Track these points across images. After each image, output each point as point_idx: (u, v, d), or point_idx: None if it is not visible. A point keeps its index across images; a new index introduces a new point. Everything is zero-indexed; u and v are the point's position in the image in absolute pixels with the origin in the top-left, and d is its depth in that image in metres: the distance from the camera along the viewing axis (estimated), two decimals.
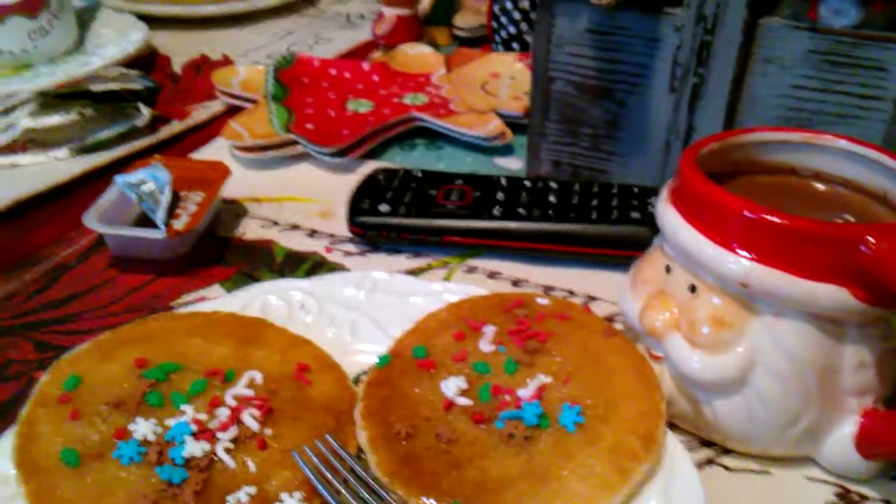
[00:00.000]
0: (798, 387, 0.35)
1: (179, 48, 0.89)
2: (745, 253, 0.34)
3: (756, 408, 0.35)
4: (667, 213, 0.38)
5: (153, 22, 0.88)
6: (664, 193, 0.40)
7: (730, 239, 0.35)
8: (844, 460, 0.36)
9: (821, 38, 0.49)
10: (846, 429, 0.36)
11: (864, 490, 0.37)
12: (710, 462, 0.38)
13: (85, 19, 0.86)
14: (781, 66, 0.51)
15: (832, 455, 0.36)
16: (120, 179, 0.53)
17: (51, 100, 0.66)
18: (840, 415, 0.36)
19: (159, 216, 0.50)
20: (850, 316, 0.34)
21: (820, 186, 0.41)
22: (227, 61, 0.86)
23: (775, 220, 0.34)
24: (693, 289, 0.37)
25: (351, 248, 0.55)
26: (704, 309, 0.36)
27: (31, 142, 0.66)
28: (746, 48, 0.51)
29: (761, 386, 0.35)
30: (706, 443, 0.39)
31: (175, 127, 0.71)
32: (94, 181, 0.63)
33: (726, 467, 0.38)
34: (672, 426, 0.38)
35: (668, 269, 0.39)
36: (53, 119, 0.65)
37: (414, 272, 0.52)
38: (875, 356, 0.35)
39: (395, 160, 0.67)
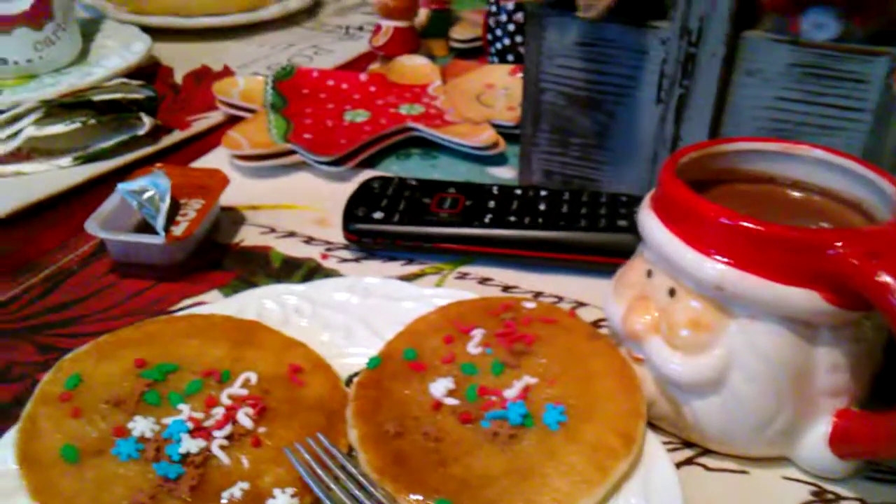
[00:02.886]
0: (773, 388, 0.36)
1: (181, 59, 0.90)
2: (721, 258, 0.36)
3: (733, 408, 0.37)
4: (648, 219, 0.40)
5: (156, 34, 0.90)
6: (646, 201, 0.41)
7: (707, 244, 0.36)
8: (819, 460, 0.37)
9: (802, 51, 0.50)
10: (820, 429, 0.37)
11: (839, 489, 0.38)
12: (689, 462, 0.40)
13: (89, 31, 0.88)
14: (764, 79, 0.52)
15: (807, 455, 0.38)
16: (121, 187, 0.54)
17: (54, 109, 0.67)
18: (814, 415, 0.37)
19: (159, 222, 0.52)
20: (822, 319, 0.35)
21: (797, 195, 0.43)
22: (227, 72, 0.88)
23: (749, 226, 0.35)
24: (672, 293, 0.38)
25: (346, 254, 0.57)
26: (683, 312, 0.37)
27: (34, 150, 0.67)
28: (730, 61, 0.52)
29: (737, 387, 0.36)
30: (688, 444, 0.41)
31: (176, 136, 0.72)
32: (96, 189, 0.65)
33: (705, 467, 0.39)
34: (654, 427, 0.40)
35: (649, 274, 0.40)
36: (57, 128, 0.66)
37: (407, 278, 0.54)
38: (847, 358, 0.36)
39: (391, 169, 0.68)
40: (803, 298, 0.34)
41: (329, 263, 0.56)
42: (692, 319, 0.37)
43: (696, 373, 0.37)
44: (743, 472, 0.39)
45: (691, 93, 0.54)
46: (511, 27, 0.82)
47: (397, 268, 0.55)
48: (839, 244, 0.33)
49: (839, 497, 0.38)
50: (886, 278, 0.32)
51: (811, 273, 0.34)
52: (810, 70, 0.51)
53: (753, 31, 0.51)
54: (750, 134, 0.53)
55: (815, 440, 0.37)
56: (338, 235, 0.58)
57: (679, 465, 0.39)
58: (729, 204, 0.36)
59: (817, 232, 0.36)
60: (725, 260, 0.36)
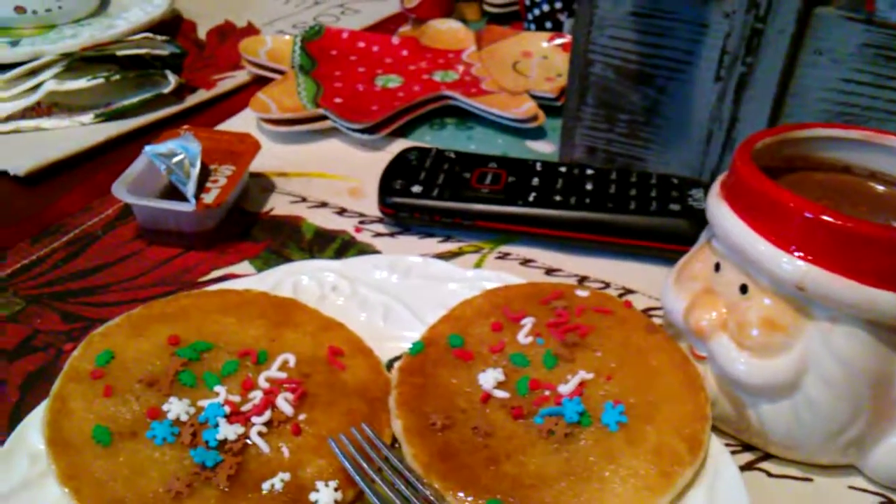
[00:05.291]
0: (850, 395, 0.34)
1: (204, 13, 0.87)
2: (802, 254, 0.33)
3: (804, 415, 0.35)
4: (719, 208, 0.37)
5: None
6: (716, 188, 0.39)
7: (786, 239, 0.34)
8: (891, 471, 0.35)
9: (876, 32, 0.47)
10: (894, 439, 0.35)
11: None
12: (750, 466, 0.38)
13: None
14: (833, 59, 0.49)
15: (878, 465, 0.36)
16: (149, 149, 0.51)
17: (76, 63, 0.65)
18: (889, 425, 0.35)
19: (189, 189, 0.49)
20: None
21: (876, 187, 0.40)
22: (252, 29, 0.84)
23: (837, 222, 0.32)
24: (744, 289, 0.36)
25: (381, 228, 0.54)
26: (756, 310, 0.35)
27: (55, 105, 0.65)
28: (798, 38, 0.49)
29: (812, 393, 0.34)
30: (747, 446, 0.39)
31: (201, 95, 0.70)
32: (119, 148, 0.62)
33: (768, 472, 0.37)
34: (713, 428, 0.38)
35: (717, 267, 0.38)
36: (79, 83, 0.63)
37: (445, 255, 0.51)
38: None
39: (425, 139, 0.65)
40: (892, 303, 0.32)
41: (363, 237, 0.53)
42: (766, 319, 0.34)
43: (767, 376, 0.35)
44: (807, 479, 0.37)
45: (754, 71, 0.51)
46: None
47: (434, 244, 0.53)
48: None
49: None
50: None
51: None
52: (883, 52, 0.48)
53: (826, 8, 0.48)
54: (814, 116, 0.51)
55: (888, 450, 0.35)
56: (371, 207, 0.55)
57: (740, 469, 0.37)
58: (803, 194, 0.34)
59: None
60: (807, 257, 0.33)
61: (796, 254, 0.33)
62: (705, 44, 0.52)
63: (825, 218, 0.33)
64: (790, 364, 0.34)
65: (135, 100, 0.65)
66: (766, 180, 0.35)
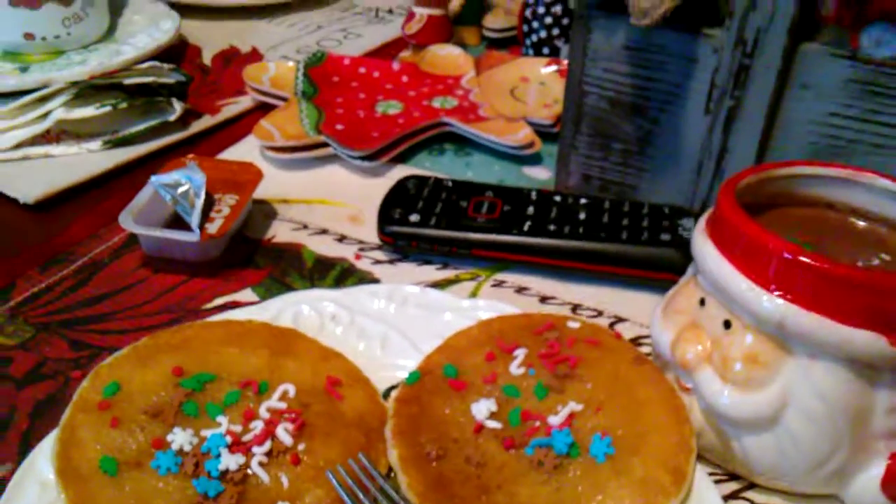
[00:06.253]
0: (830, 429, 0.35)
1: (208, 39, 0.89)
2: (781, 293, 0.35)
3: (787, 447, 0.36)
4: (704, 246, 0.38)
5: (182, 11, 0.88)
6: (701, 224, 0.40)
7: (766, 278, 0.35)
8: (870, 501, 0.36)
9: (861, 68, 0.49)
10: (873, 471, 0.36)
11: None
12: (735, 496, 0.39)
13: (117, 6, 0.86)
14: (819, 94, 0.50)
15: (858, 496, 0.37)
16: (155, 179, 0.53)
17: (84, 91, 0.66)
18: (868, 457, 0.36)
19: (194, 220, 0.51)
20: (885, 362, 0.34)
21: (858, 223, 0.41)
22: (256, 54, 0.86)
23: (815, 263, 0.34)
24: (727, 324, 0.37)
25: (380, 255, 0.56)
26: (738, 346, 0.36)
27: (64, 133, 0.66)
28: (785, 73, 0.51)
29: (793, 426, 0.35)
30: (732, 475, 0.40)
31: (206, 122, 0.71)
32: (126, 175, 0.64)
33: (752, 502, 0.39)
34: (698, 457, 0.39)
35: (702, 302, 0.39)
36: (87, 111, 0.65)
37: (442, 283, 0.53)
38: None
39: (424, 165, 0.67)
40: (868, 342, 0.33)
41: (362, 265, 0.55)
42: (748, 354, 0.36)
43: (749, 409, 0.36)
44: None
45: (742, 104, 0.52)
46: (548, 20, 0.80)
47: (432, 272, 0.54)
48: None
49: None
50: None
51: (878, 316, 0.33)
52: (868, 87, 0.49)
53: (811, 44, 0.50)
54: (801, 149, 0.52)
55: (867, 482, 0.36)
56: (371, 234, 0.57)
57: (725, 498, 0.38)
58: (786, 230, 0.35)
59: (888, 275, 0.35)
60: (786, 296, 0.34)
61: (776, 293, 0.35)
62: (695, 78, 0.53)
63: (803, 259, 0.34)
64: (772, 398, 0.35)
65: (141, 127, 0.67)
66: (747, 220, 0.36)
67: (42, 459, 0.36)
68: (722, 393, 0.37)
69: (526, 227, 0.53)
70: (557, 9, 0.80)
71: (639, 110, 0.57)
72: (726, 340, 0.37)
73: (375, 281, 0.53)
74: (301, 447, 0.37)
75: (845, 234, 0.41)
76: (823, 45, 0.50)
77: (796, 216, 0.42)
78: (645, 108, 0.56)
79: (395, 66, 0.79)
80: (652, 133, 0.57)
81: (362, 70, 0.78)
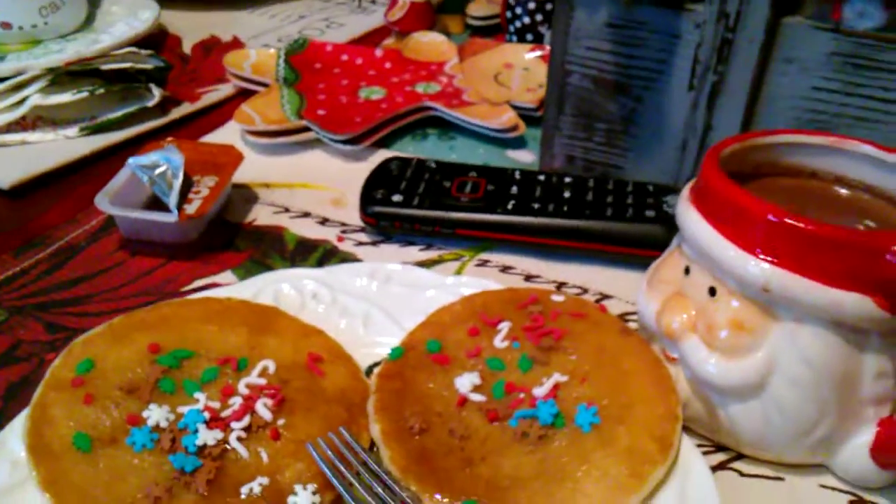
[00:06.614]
0: (816, 395, 0.34)
1: (189, 29, 0.88)
2: (766, 257, 0.34)
3: (773, 415, 0.35)
4: (688, 213, 0.38)
5: (162, 1, 0.87)
6: (685, 193, 0.40)
7: (752, 242, 0.35)
8: (859, 469, 0.36)
9: (844, 40, 0.48)
10: (862, 438, 0.36)
11: (878, 499, 0.37)
12: (722, 466, 0.38)
13: None
14: (802, 67, 0.50)
15: (847, 464, 0.36)
16: (132, 161, 0.52)
17: (61, 77, 0.65)
18: (857, 424, 0.35)
19: (172, 200, 0.50)
20: (873, 325, 0.34)
21: (841, 191, 0.41)
22: (237, 43, 0.85)
23: (800, 225, 0.33)
24: (712, 291, 0.37)
25: (363, 237, 0.55)
26: (724, 312, 0.36)
27: (40, 119, 0.65)
28: (768, 47, 0.50)
29: (779, 393, 0.35)
30: (719, 447, 0.39)
31: (185, 108, 0.70)
32: (104, 161, 0.63)
33: (740, 472, 0.38)
34: (686, 429, 0.38)
35: (686, 271, 0.39)
36: (63, 97, 0.64)
37: (426, 264, 0.52)
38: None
39: (408, 149, 0.66)
40: (855, 304, 0.33)
41: (345, 246, 0.54)
42: (733, 320, 0.35)
43: (736, 376, 0.35)
44: (778, 478, 0.38)
45: (725, 79, 0.52)
46: (531, 5, 0.80)
47: (415, 252, 0.54)
48: None
49: None
50: None
51: (865, 277, 0.33)
52: (851, 60, 0.49)
53: (794, 18, 0.49)
54: (785, 123, 0.52)
55: (857, 449, 0.36)
56: (354, 217, 0.56)
57: (712, 469, 0.38)
58: (770, 199, 0.35)
59: (874, 234, 0.35)
60: (772, 260, 0.34)
61: (761, 256, 0.34)
62: (678, 54, 0.53)
63: (788, 221, 0.34)
64: (758, 364, 0.35)
65: (119, 113, 0.66)
66: (731, 185, 0.36)
67: (13, 438, 0.35)
68: (708, 360, 0.36)
69: (510, 206, 0.53)
70: None
71: (622, 88, 0.56)
72: (712, 307, 0.36)
73: (358, 262, 0.52)
74: (281, 422, 0.37)
75: (829, 202, 0.40)
76: (806, 19, 0.49)
77: (780, 185, 0.41)
78: (628, 87, 0.56)
79: (378, 52, 0.79)
80: (636, 111, 0.57)
81: (344, 57, 0.78)
